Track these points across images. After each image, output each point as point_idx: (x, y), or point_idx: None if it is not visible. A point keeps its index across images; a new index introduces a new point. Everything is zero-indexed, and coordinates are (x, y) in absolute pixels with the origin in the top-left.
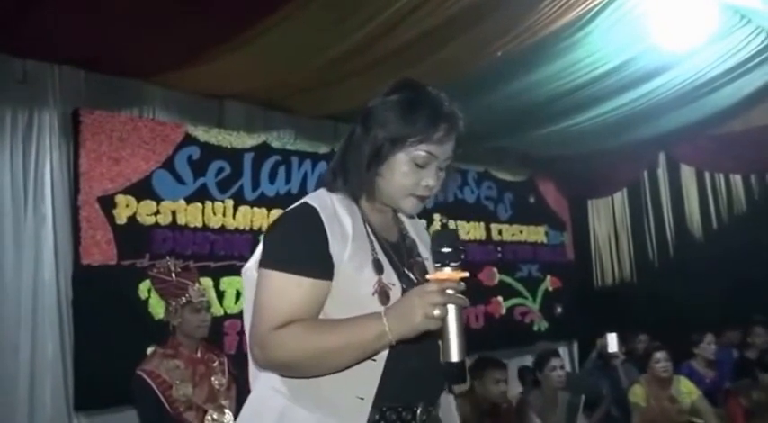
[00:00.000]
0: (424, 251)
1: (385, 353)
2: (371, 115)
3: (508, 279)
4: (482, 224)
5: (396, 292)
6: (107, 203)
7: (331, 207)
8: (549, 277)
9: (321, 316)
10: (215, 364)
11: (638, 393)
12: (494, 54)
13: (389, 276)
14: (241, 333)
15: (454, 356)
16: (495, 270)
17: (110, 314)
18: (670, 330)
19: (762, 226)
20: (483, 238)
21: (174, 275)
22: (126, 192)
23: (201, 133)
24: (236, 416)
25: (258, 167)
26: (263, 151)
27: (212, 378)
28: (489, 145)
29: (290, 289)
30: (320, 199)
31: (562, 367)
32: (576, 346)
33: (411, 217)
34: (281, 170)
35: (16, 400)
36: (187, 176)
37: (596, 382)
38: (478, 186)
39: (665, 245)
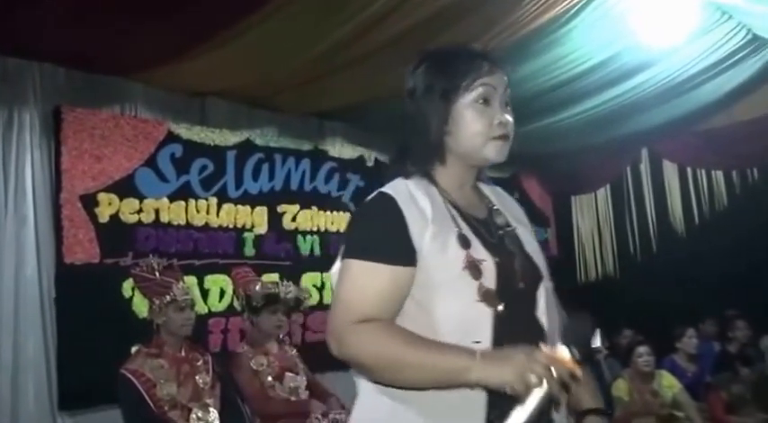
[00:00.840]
0: (514, 222)
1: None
2: (414, 89)
3: None
4: None
5: (488, 266)
6: (89, 202)
7: (407, 192)
8: None
9: (412, 304)
10: (199, 363)
11: (621, 388)
12: None
13: (478, 251)
14: (225, 331)
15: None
16: None
17: (93, 313)
18: (652, 325)
19: (743, 221)
20: None
21: (157, 274)
22: (108, 190)
23: (184, 131)
24: (220, 414)
25: (241, 165)
26: (246, 149)
27: (197, 377)
28: None
29: (369, 277)
30: (395, 186)
31: None
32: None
33: (492, 185)
34: (265, 167)
35: None
36: (170, 174)
37: None
38: None
39: (647, 240)
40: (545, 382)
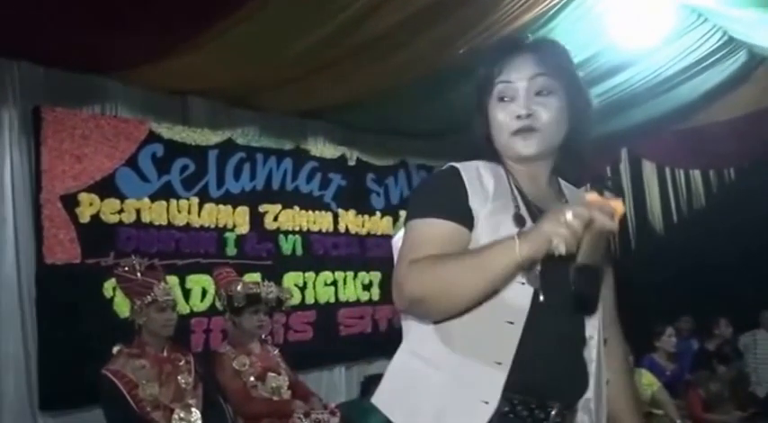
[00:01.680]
0: None
1: (523, 318)
2: None
3: None
4: None
5: None
6: (70, 202)
7: (474, 169)
8: None
9: None
10: (181, 364)
11: None
12: (456, 51)
13: None
14: (207, 331)
15: (582, 258)
16: None
17: (74, 313)
18: (631, 323)
19: (720, 220)
20: None
21: (139, 274)
22: (89, 190)
23: (165, 130)
24: (203, 414)
25: (223, 164)
26: (227, 148)
27: (179, 377)
28: (453, 141)
29: (426, 229)
30: (465, 163)
31: None
32: None
33: (564, 182)
34: (246, 167)
35: None
36: (151, 174)
37: None
38: None
39: (626, 239)
40: (586, 217)
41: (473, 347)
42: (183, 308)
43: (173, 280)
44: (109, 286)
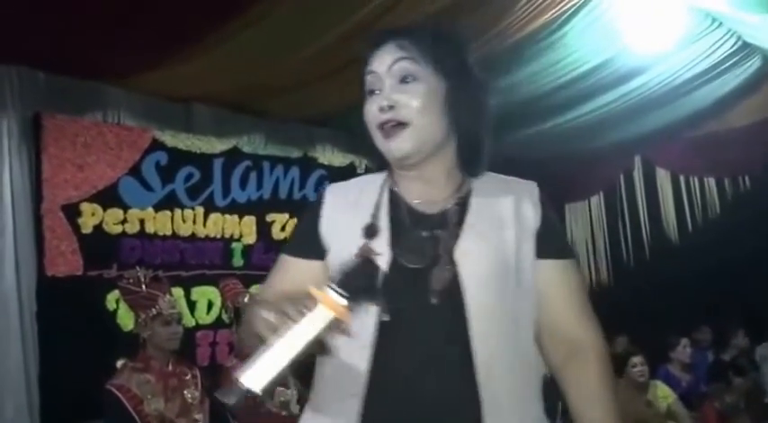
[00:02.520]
0: (486, 225)
1: (369, 343)
2: None
3: None
4: None
5: (382, 261)
6: (72, 212)
7: (353, 185)
8: None
9: None
10: (187, 378)
11: None
12: None
13: (382, 244)
14: (213, 344)
15: (244, 379)
16: None
17: (76, 327)
18: (646, 333)
19: (735, 228)
20: None
21: (143, 286)
22: (91, 200)
23: (169, 138)
24: None
25: (229, 173)
26: (233, 156)
27: (185, 392)
28: None
29: (277, 267)
30: (348, 181)
31: None
32: None
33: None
34: (253, 176)
35: None
36: (155, 183)
37: None
38: None
39: (641, 248)
40: (292, 327)
41: (335, 379)
42: (189, 321)
43: (178, 292)
44: (112, 299)
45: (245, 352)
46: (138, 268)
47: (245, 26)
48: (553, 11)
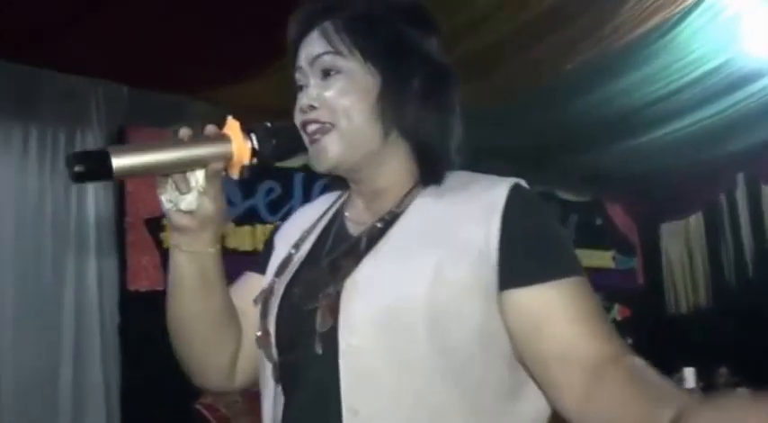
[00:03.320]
0: (414, 241)
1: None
2: None
3: None
4: None
5: (274, 302)
6: (154, 226)
7: (317, 201)
8: (616, 306)
9: None
10: None
11: None
12: (564, 67)
13: (286, 279)
14: None
15: (111, 148)
16: None
17: (159, 342)
18: (751, 362)
19: None
20: None
21: None
22: None
23: None
24: None
25: (309, 187)
26: (313, 171)
27: None
28: (557, 162)
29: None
30: (319, 200)
31: None
32: None
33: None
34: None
35: None
36: (236, 197)
37: None
38: None
39: (743, 269)
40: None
41: (265, 413)
42: None
43: None
44: None
45: None
46: None
47: None
48: (666, 11)
